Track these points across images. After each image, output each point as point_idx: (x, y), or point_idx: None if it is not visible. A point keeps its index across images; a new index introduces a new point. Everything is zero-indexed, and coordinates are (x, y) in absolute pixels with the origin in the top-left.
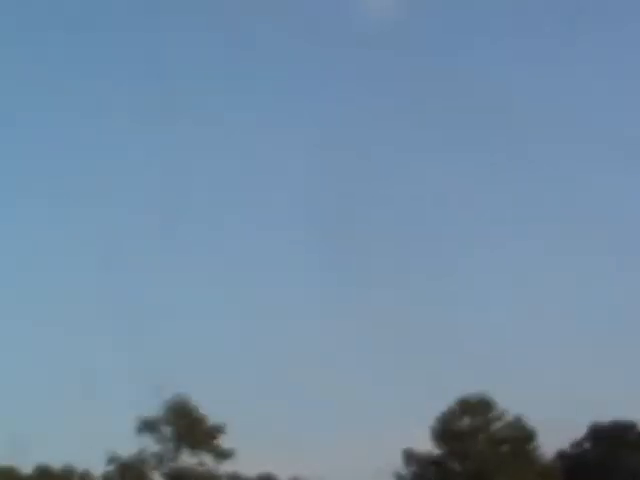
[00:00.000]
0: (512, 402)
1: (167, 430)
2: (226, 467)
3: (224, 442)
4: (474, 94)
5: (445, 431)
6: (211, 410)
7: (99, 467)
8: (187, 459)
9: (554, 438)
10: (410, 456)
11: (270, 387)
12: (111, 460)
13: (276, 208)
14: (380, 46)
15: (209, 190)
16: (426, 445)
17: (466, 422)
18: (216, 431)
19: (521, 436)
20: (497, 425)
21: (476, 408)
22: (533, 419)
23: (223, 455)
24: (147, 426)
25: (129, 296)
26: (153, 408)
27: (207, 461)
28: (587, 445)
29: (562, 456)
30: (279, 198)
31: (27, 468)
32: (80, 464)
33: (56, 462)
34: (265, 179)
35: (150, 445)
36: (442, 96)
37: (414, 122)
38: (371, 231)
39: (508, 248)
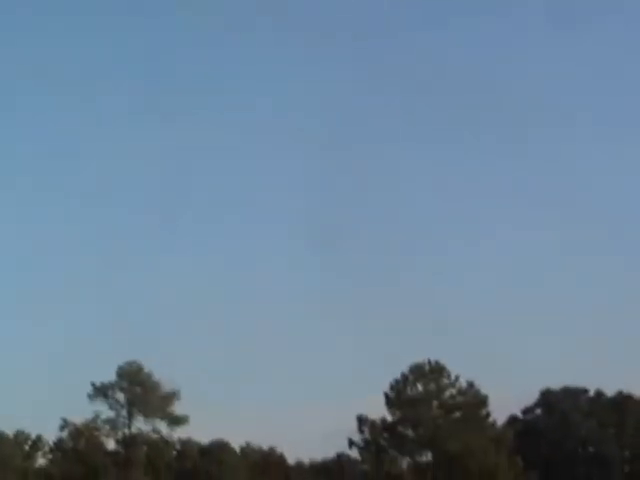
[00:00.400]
0: (464, 369)
1: (120, 396)
2: (180, 433)
3: (177, 409)
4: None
5: (398, 397)
6: (165, 377)
7: (52, 433)
8: (141, 425)
9: (506, 404)
10: (363, 422)
11: (224, 355)
12: (64, 426)
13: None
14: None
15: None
16: (381, 412)
17: (419, 389)
18: (170, 398)
19: (473, 402)
20: (450, 392)
21: (429, 375)
22: (485, 386)
23: (176, 422)
24: (100, 392)
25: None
26: (106, 374)
27: (161, 427)
28: (538, 411)
29: (514, 422)
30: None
31: None
32: (33, 430)
33: (8, 428)
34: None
35: (103, 411)
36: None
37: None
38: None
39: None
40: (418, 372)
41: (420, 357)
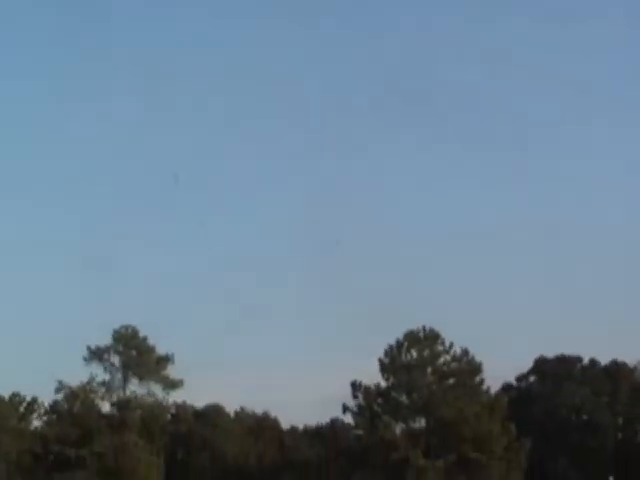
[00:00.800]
0: (459, 336)
1: (115, 360)
2: (174, 397)
3: (173, 372)
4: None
5: (392, 364)
6: (160, 340)
7: (47, 395)
8: (135, 389)
9: (500, 372)
10: (357, 388)
11: (220, 318)
12: (59, 389)
13: None
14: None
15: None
16: (375, 378)
17: (413, 355)
18: (165, 361)
19: (467, 369)
20: (444, 358)
21: (423, 341)
22: (479, 353)
23: (171, 385)
24: (95, 355)
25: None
26: (102, 337)
27: (155, 391)
28: (532, 379)
29: (508, 389)
30: None
31: None
32: (28, 392)
33: (4, 390)
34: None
35: (99, 374)
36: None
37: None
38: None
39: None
40: (412, 339)
41: (415, 324)
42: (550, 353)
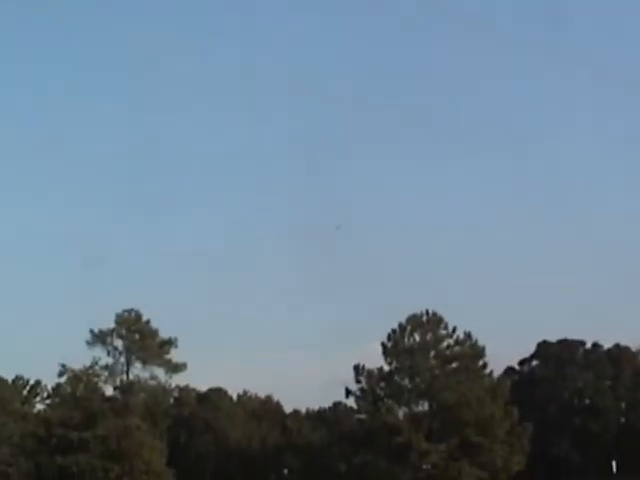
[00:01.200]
0: (462, 319)
1: (118, 343)
2: (177, 381)
3: (175, 356)
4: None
5: (395, 347)
6: (163, 324)
7: (51, 379)
8: (138, 372)
9: (503, 356)
10: (360, 372)
11: (223, 302)
12: (63, 372)
13: None
14: None
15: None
16: (378, 362)
17: (416, 339)
18: (168, 345)
19: (470, 353)
20: (447, 342)
21: (426, 325)
22: (482, 336)
23: (174, 369)
24: (99, 339)
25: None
26: (105, 321)
27: (158, 374)
28: (535, 363)
29: (510, 373)
30: None
31: None
32: (31, 375)
33: (7, 373)
34: None
35: (102, 358)
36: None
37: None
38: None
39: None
40: (415, 322)
41: (418, 308)
42: (553, 337)
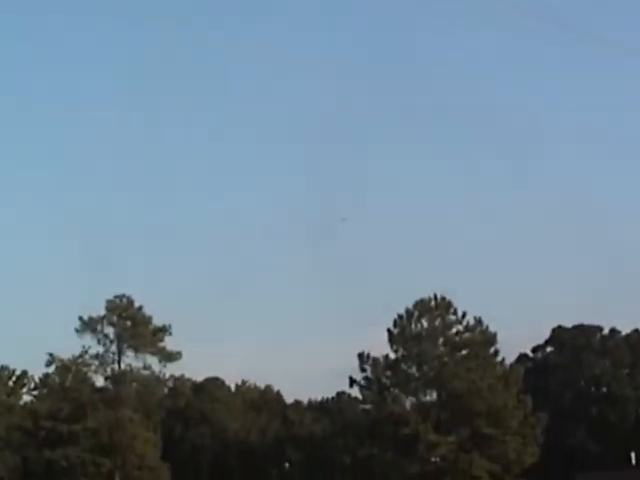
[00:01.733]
0: (472, 304)
1: (109, 331)
2: (172, 370)
3: (170, 344)
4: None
5: (402, 334)
6: (157, 311)
7: (38, 369)
8: (131, 361)
9: (515, 342)
10: (365, 360)
11: (222, 290)
12: (51, 362)
13: None
14: None
15: None
16: (383, 349)
17: (424, 325)
18: (161, 332)
19: (481, 340)
20: (456, 328)
21: (434, 311)
22: (493, 322)
23: (168, 358)
24: (88, 327)
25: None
26: (95, 307)
27: (152, 364)
28: (549, 349)
29: (523, 360)
30: None
31: None
32: (17, 365)
33: None
34: None
35: (92, 346)
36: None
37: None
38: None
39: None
40: (423, 307)
41: (426, 293)
42: (568, 322)
